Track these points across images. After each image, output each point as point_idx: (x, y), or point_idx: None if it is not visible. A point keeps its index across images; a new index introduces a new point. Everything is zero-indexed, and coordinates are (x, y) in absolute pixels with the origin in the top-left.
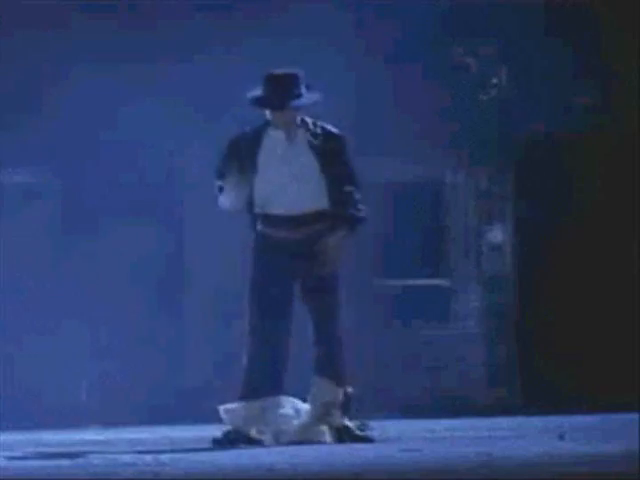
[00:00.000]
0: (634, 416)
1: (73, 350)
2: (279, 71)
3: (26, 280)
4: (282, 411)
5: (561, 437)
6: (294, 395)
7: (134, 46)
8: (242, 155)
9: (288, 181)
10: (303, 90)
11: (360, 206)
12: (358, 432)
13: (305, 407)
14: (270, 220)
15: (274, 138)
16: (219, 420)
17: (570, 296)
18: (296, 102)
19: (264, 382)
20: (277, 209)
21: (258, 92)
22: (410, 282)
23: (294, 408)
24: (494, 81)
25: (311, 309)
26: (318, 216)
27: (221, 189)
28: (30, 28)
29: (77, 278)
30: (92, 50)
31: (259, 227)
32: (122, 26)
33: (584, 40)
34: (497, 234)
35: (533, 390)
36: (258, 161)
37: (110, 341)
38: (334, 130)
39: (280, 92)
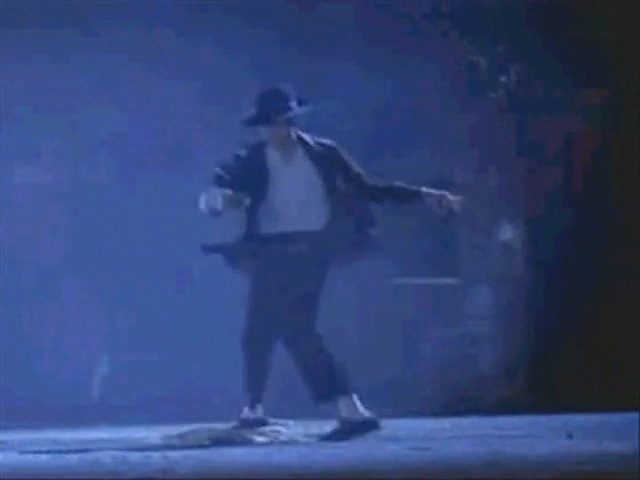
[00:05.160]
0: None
1: (83, 347)
2: (266, 88)
3: (34, 276)
4: None
5: (569, 436)
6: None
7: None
8: (241, 176)
9: (291, 201)
10: (293, 104)
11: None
12: None
13: None
14: (279, 238)
15: (273, 158)
16: (225, 419)
17: (579, 296)
18: (283, 115)
19: None
20: (283, 227)
21: (251, 112)
22: (419, 281)
23: None
24: (503, 79)
25: None
26: (323, 233)
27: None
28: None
29: (87, 274)
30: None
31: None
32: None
33: (595, 39)
34: (507, 233)
35: (541, 389)
36: (260, 182)
37: (120, 339)
38: (327, 141)
39: (267, 108)
